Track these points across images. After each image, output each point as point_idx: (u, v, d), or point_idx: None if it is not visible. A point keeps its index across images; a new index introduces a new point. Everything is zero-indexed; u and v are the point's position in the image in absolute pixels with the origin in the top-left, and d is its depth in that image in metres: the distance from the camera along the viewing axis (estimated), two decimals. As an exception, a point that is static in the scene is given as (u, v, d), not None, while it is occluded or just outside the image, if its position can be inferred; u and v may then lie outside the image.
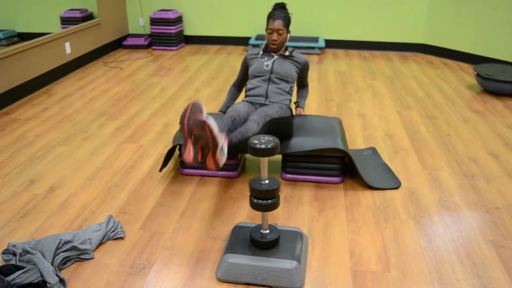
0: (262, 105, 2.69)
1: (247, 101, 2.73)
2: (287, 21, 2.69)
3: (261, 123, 2.43)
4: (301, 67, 2.82)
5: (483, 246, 2.14)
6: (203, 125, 1.94)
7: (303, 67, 2.84)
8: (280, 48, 2.75)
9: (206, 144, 1.99)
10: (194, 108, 2.00)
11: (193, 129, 1.96)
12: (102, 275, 1.95)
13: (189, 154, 2.00)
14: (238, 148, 2.31)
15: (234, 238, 2.03)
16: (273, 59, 2.75)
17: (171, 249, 2.11)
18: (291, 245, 1.98)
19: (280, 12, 2.70)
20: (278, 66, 2.73)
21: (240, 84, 3.03)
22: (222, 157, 2.08)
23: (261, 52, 2.81)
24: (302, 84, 3.02)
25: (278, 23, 2.66)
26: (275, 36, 2.69)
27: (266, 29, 2.72)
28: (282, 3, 2.76)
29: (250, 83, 2.77)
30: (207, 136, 1.95)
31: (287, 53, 2.77)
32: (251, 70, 2.78)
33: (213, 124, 1.95)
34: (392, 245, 2.14)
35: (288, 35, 2.74)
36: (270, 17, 2.70)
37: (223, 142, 2.06)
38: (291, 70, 2.74)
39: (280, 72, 2.72)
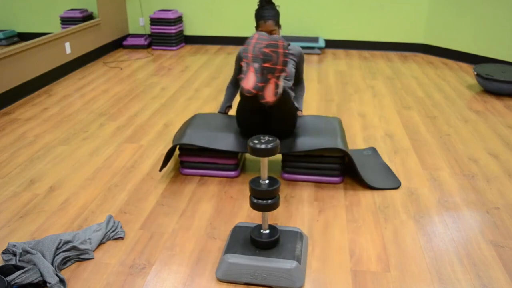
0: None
1: None
2: (277, 18, 2.58)
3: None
4: (297, 60, 2.74)
5: (483, 246, 2.14)
6: (277, 41, 1.88)
7: (299, 59, 2.76)
8: None
9: (273, 66, 1.91)
10: (261, 36, 1.97)
11: (259, 51, 1.91)
12: (102, 275, 1.95)
13: (249, 80, 1.94)
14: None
15: (234, 238, 2.03)
16: None
17: (171, 249, 2.11)
18: (291, 245, 1.98)
19: (269, 10, 2.57)
20: None
21: (236, 81, 2.97)
22: (281, 85, 2.01)
23: None
24: (297, 80, 2.93)
25: (269, 24, 2.56)
26: None
27: (258, 30, 2.60)
28: None
29: None
30: (278, 53, 1.89)
31: None
32: None
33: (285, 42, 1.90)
34: (392, 245, 2.14)
35: (280, 29, 2.63)
36: (260, 17, 2.57)
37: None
38: (289, 66, 2.69)
39: None
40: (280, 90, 2.02)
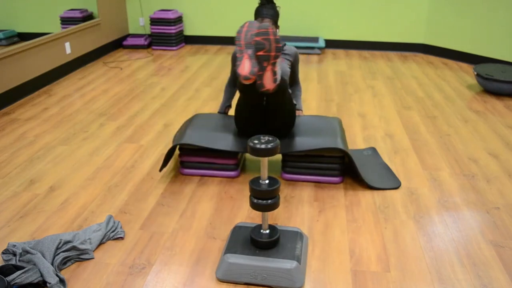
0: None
1: None
2: (275, 18, 2.60)
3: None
4: (292, 60, 2.74)
5: (483, 246, 2.14)
6: (267, 28, 1.87)
7: (294, 59, 2.76)
8: None
9: (267, 53, 1.90)
10: (251, 24, 1.98)
11: (252, 39, 1.91)
12: (102, 275, 1.95)
13: (244, 67, 1.94)
14: None
15: (234, 238, 2.03)
16: None
17: (171, 249, 2.11)
18: (291, 245, 1.98)
19: (268, 9, 2.59)
20: None
21: (234, 81, 2.97)
22: (279, 71, 2.01)
23: None
24: (293, 81, 2.93)
25: (266, 22, 2.57)
26: None
27: None
28: None
29: None
30: (270, 40, 1.88)
31: None
32: None
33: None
34: (392, 245, 2.14)
35: (278, 30, 2.65)
36: (258, 15, 2.60)
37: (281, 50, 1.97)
38: (284, 66, 2.69)
39: None
40: (278, 77, 2.04)
